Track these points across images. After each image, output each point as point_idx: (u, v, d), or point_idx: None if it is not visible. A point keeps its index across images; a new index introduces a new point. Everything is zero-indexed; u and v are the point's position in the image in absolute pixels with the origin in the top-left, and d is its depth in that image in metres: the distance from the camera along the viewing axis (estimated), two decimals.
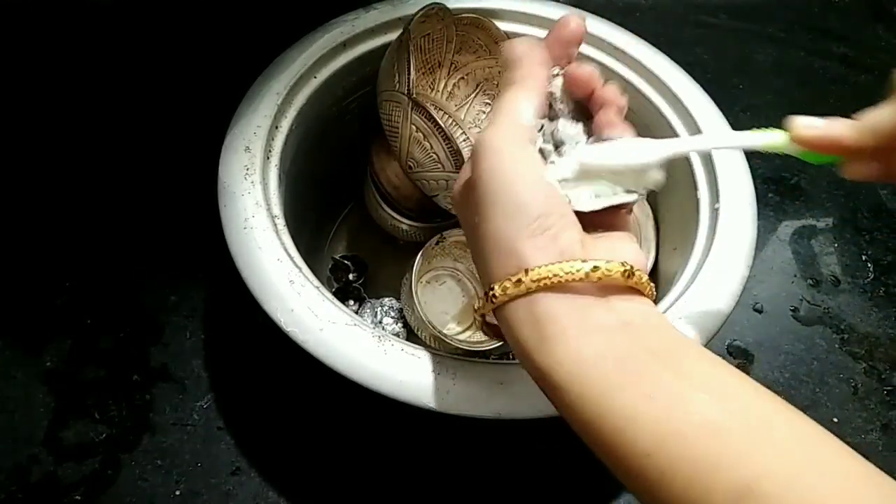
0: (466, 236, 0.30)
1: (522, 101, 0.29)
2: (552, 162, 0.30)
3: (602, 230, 0.30)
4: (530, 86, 0.29)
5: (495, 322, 0.30)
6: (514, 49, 0.31)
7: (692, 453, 0.21)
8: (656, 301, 0.33)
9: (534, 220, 0.26)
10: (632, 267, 0.26)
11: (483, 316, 0.30)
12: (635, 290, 0.27)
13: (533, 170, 0.27)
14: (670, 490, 0.21)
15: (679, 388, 0.23)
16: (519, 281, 0.25)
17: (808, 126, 0.27)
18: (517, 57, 0.30)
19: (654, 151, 0.30)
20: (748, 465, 0.20)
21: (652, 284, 0.28)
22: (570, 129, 0.31)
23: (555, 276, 0.25)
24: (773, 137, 0.28)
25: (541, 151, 0.30)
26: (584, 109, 0.32)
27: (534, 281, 0.25)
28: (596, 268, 0.25)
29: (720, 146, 0.32)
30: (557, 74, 0.32)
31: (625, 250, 0.28)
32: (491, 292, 0.26)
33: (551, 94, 0.32)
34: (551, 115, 0.32)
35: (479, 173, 0.27)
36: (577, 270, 0.25)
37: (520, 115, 0.29)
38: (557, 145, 0.31)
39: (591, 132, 0.32)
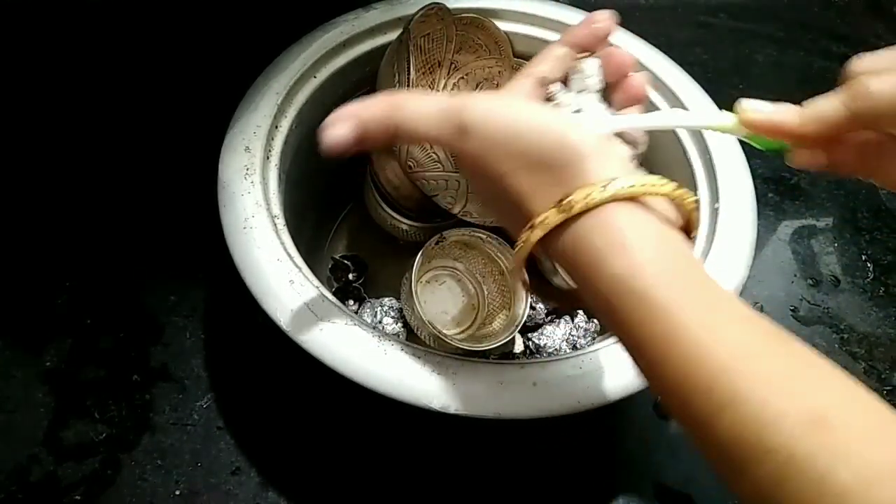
0: (489, 178, 0.28)
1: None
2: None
3: None
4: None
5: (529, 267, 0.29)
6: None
7: (771, 371, 0.21)
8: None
9: (591, 137, 0.26)
10: (697, 199, 0.26)
11: (525, 252, 0.28)
12: (686, 228, 0.27)
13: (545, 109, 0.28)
14: (742, 409, 0.20)
15: (749, 319, 0.23)
16: (605, 188, 0.24)
17: (755, 110, 0.27)
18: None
19: (606, 125, 0.30)
20: (821, 393, 0.21)
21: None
22: (595, 106, 0.32)
23: (641, 185, 0.24)
24: (723, 118, 0.29)
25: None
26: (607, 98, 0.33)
27: (621, 189, 0.24)
28: (679, 186, 0.25)
29: (671, 124, 0.32)
30: (591, 55, 0.33)
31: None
32: (566, 201, 0.25)
33: (583, 69, 0.32)
34: (579, 89, 0.32)
35: (503, 124, 0.27)
36: (663, 185, 0.25)
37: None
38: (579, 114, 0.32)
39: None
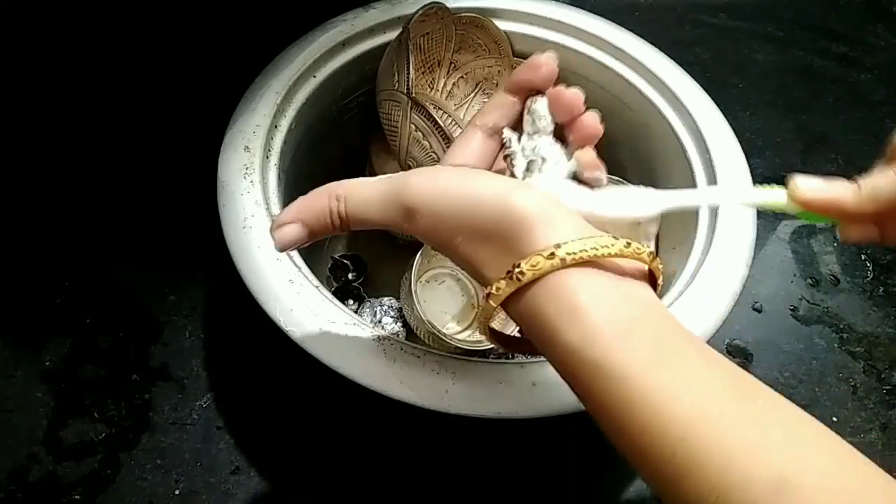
0: (446, 249, 0.28)
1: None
2: (534, 173, 0.31)
3: None
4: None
5: (497, 328, 0.29)
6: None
7: (732, 438, 0.21)
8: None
9: (534, 201, 0.26)
10: (655, 251, 0.26)
11: (486, 319, 0.28)
12: (649, 278, 0.26)
13: (493, 176, 0.28)
14: (705, 475, 0.20)
15: (713, 374, 0.22)
16: (552, 255, 0.24)
17: (809, 188, 0.27)
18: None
19: (650, 205, 0.29)
20: (787, 457, 0.20)
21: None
22: (551, 148, 0.32)
23: (591, 248, 0.24)
24: (774, 195, 0.28)
25: (515, 164, 0.31)
26: (561, 134, 0.32)
27: (568, 254, 0.24)
28: (629, 244, 0.25)
29: (720, 202, 0.31)
30: (541, 94, 0.32)
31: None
32: (516, 270, 0.25)
33: (534, 111, 0.32)
34: (532, 131, 0.32)
35: (443, 202, 0.27)
36: (612, 245, 0.24)
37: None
38: (535, 161, 0.31)
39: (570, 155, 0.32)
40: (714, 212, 0.45)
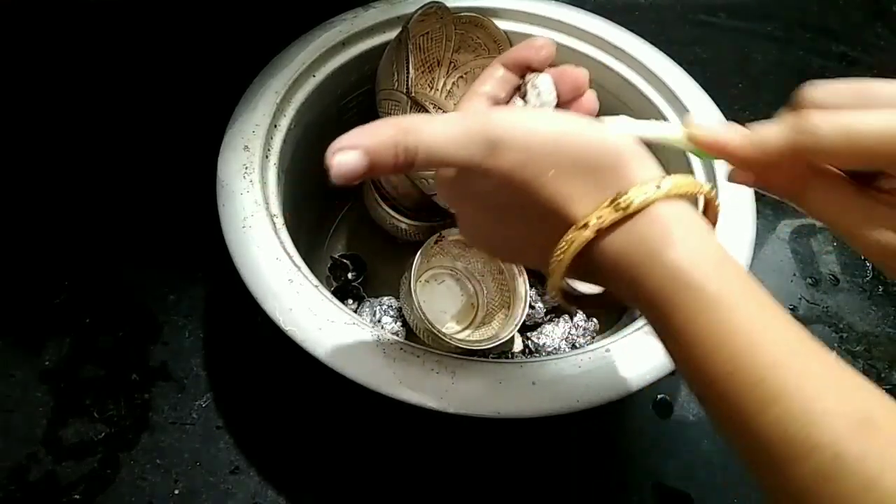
0: (528, 186, 0.26)
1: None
2: None
3: None
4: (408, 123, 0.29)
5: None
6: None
7: (818, 374, 0.21)
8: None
9: (628, 140, 0.26)
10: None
11: (567, 261, 0.27)
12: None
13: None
14: (790, 405, 0.21)
15: (791, 319, 0.23)
16: (659, 186, 0.25)
17: (701, 128, 0.28)
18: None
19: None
20: (868, 397, 0.21)
21: None
22: None
23: (690, 184, 0.25)
24: (671, 130, 0.30)
25: None
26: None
27: (675, 185, 0.25)
28: (713, 187, 0.27)
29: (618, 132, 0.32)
30: (541, 72, 0.32)
31: None
32: (622, 199, 0.25)
33: (538, 86, 0.32)
34: (538, 104, 0.32)
35: (536, 138, 0.26)
36: (702, 185, 0.26)
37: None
38: None
39: None
40: None
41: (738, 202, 0.45)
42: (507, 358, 0.54)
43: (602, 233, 0.25)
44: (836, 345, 0.59)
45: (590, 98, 0.32)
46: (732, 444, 0.23)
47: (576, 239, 0.26)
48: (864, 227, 0.25)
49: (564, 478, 0.50)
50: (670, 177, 0.25)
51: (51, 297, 0.55)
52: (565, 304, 0.30)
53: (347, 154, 0.27)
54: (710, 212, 0.28)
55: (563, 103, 0.32)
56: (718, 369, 0.22)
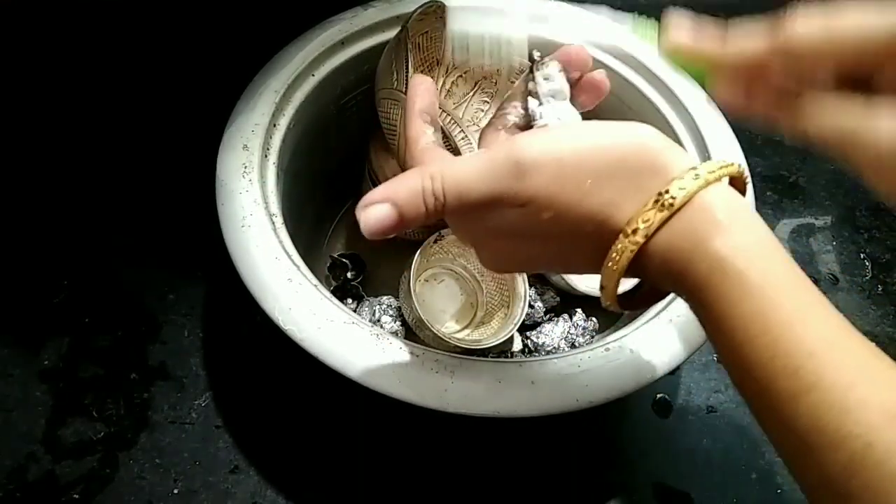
0: (569, 200, 0.26)
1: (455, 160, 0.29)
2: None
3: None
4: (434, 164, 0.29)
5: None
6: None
7: (855, 364, 0.21)
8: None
9: (652, 131, 0.26)
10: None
11: (620, 270, 0.26)
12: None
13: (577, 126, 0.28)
14: (826, 394, 0.21)
15: (832, 308, 0.23)
16: (697, 175, 0.25)
17: (678, 25, 0.28)
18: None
19: (516, 25, 0.31)
20: None
21: None
22: (572, 114, 0.32)
23: (720, 168, 0.25)
24: (646, 27, 0.30)
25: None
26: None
27: (709, 172, 0.25)
28: (740, 165, 0.26)
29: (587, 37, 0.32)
30: (545, 60, 0.32)
31: None
32: (666, 197, 0.25)
33: (549, 76, 0.32)
34: (548, 92, 0.32)
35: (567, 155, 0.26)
36: (731, 165, 0.26)
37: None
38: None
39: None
40: None
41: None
42: (506, 357, 0.54)
43: (651, 234, 0.25)
44: None
45: (598, 75, 0.32)
46: (769, 432, 0.23)
47: (627, 247, 0.26)
48: (860, 132, 0.23)
49: (564, 478, 0.50)
50: (704, 164, 0.25)
51: (50, 297, 0.55)
52: (618, 309, 0.30)
53: (376, 208, 0.27)
54: (737, 186, 0.28)
55: (574, 83, 0.32)
56: (758, 355, 0.23)
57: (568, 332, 0.54)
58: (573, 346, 0.53)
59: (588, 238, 0.27)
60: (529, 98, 0.32)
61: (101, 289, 0.56)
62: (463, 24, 0.30)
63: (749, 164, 0.47)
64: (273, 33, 0.51)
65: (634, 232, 0.25)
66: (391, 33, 0.52)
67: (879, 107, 0.23)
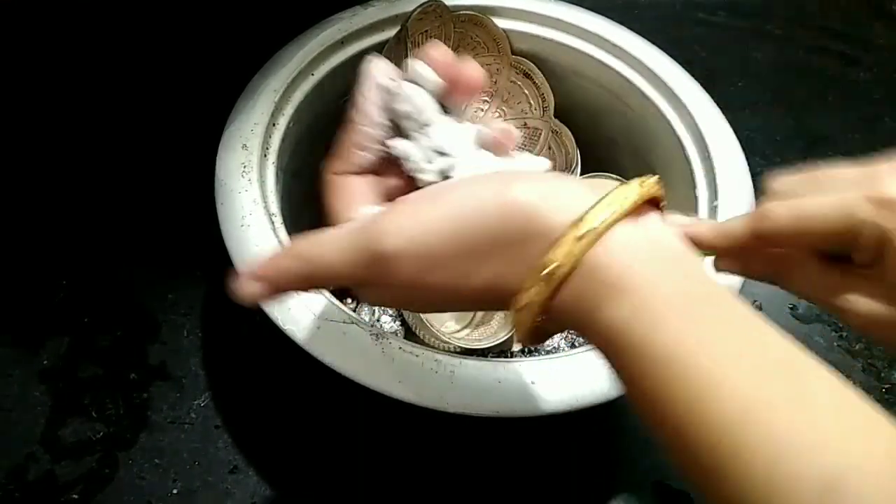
0: (446, 288, 0.25)
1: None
2: (454, 169, 0.29)
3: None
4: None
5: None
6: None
7: (781, 429, 0.19)
8: None
9: (539, 186, 0.23)
10: (658, 177, 0.24)
11: (526, 332, 0.25)
12: (651, 204, 0.24)
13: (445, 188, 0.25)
14: (747, 472, 0.19)
15: (762, 348, 0.21)
16: (580, 237, 0.22)
17: (672, 223, 0.27)
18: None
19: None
20: (837, 452, 0.18)
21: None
22: (448, 132, 0.29)
23: (611, 212, 0.22)
24: None
25: (424, 175, 0.29)
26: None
27: (592, 229, 0.22)
28: (642, 182, 0.23)
29: None
30: (407, 70, 0.29)
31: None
32: (551, 268, 0.22)
33: (417, 77, 0.29)
34: (413, 116, 0.29)
35: (440, 228, 0.24)
36: (627, 195, 0.22)
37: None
38: (444, 157, 0.29)
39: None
40: (713, 210, 0.45)
41: (738, 201, 0.45)
42: (506, 357, 0.54)
43: (543, 305, 0.23)
44: (835, 344, 0.59)
45: (469, 69, 0.30)
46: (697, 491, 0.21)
47: (522, 321, 0.24)
48: (841, 298, 0.26)
49: (564, 478, 0.50)
50: (594, 210, 0.22)
51: (49, 297, 0.55)
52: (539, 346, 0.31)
53: (251, 284, 0.27)
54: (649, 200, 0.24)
55: (445, 78, 0.30)
56: (676, 431, 0.20)
57: (568, 332, 0.54)
58: (573, 345, 0.53)
59: (490, 302, 0.25)
60: (395, 142, 0.29)
61: (100, 288, 0.56)
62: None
63: (750, 165, 0.47)
64: (273, 33, 0.51)
65: (526, 307, 0.23)
66: (391, 32, 0.52)
67: (855, 279, 0.26)
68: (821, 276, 0.27)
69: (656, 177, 0.24)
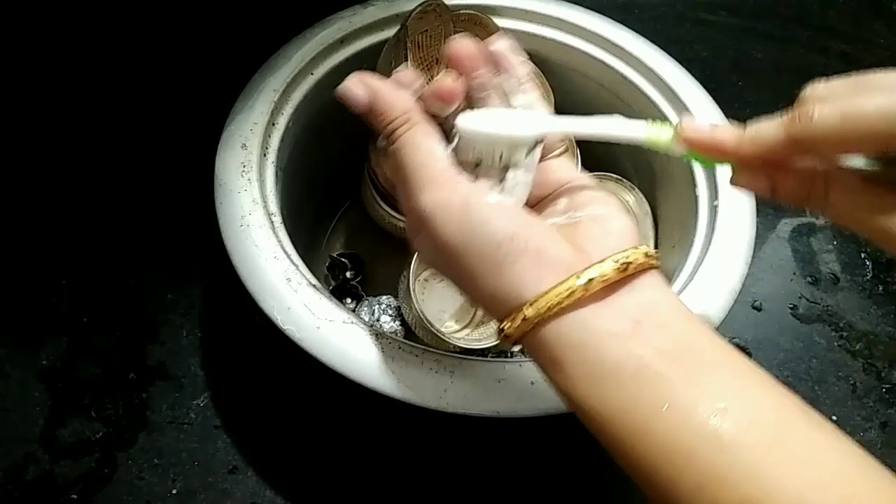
0: (463, 288, 0.28)
1: (425, 141, 0.28)
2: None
3: (564, 194, 0.30)
4: (416, 120, 0.28)
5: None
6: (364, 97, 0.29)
7: (699, 467, 0.21)
8: None
9: (502, 245, 0.25)
10: (626, 259, 0.25)
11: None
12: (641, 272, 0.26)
13: (477, 198, 0.26)
14: (678, 498, 0.22)
15: (690, 398, 0.22)
16: (525, 319, 0.25)
17: (694, 129, 0.27)
18: (377, 106, 0.29)
19: (530, 126, 0.29)
20: (756, 482, 0.20)
21: (653, 251, 0.26)
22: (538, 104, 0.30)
23: (556, 303, 0.24)
24: (661, 133, 0.28)
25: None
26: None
27: (539, 313, 0.24)
28: (590, 280, 0.24)
29: (603, 133, 0.30)
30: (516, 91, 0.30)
31: (613, 223, 0.27)
32: (502, 333, 0.26)
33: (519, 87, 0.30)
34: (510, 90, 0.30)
35: (439, 236, 0.26)
36: (572, 292, 0.24)
37: (435, 159, 0.28)
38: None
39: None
40: (714, 209, 0.45)
41: (738, 201, 0.45)
42: (506, 357, 0.54)
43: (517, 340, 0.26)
44: (835, 344, 0.59)
45: (501, 45, 0.30)
46: None
47: (503, 342, 0.27)
48: (886, 218, 0.24)
49: (564, 478, 0.50)
50: (544, 297, 0.24)
51: (48, 297, 0.55)
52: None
53: (359, 88, 0.29)
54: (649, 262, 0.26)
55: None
56: (618, 459, 0.24)
57: None
58: None
59: (486, 311, 0.29)
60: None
61: (99, 289, 0.56)
62: (473, 123, 0.29)
63: None
64: (272, 32, 0.51)
65: (504, 337, 0.26)
66: (390, 32, 0.52)
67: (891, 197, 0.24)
68: (864, 194, 0.24)
69: (618, 263, 0.25)
